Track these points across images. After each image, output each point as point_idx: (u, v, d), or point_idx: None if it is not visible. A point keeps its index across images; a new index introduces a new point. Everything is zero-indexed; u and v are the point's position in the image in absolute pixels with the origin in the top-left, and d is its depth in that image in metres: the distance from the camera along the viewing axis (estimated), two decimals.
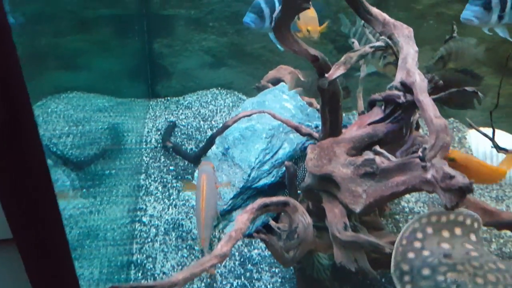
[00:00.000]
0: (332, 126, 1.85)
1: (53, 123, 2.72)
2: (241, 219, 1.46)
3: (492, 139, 1.70)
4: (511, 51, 2.48)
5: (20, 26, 2.69)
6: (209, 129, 2.84)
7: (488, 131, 2.70)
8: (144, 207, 2.13)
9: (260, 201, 1.50)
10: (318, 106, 2.78)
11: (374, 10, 1.74)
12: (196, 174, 2.26)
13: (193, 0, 3.44)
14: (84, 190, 2.13)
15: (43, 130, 2.70)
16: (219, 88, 3.55)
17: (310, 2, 1.59)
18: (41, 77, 3.18)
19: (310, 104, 2.67)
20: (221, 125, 2.92)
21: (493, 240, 2.04)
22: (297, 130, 2.11)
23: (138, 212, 2.07)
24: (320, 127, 2.28)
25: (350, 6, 1.74)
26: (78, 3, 3.21)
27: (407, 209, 2.22)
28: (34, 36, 3.00)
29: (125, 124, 2.77)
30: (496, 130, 2.67)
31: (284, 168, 2.16)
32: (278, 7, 2.55)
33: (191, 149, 2.65)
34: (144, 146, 2.61)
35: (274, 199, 1.52)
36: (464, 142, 2.73)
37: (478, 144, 2.63)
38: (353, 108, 3.14)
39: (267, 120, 2.27)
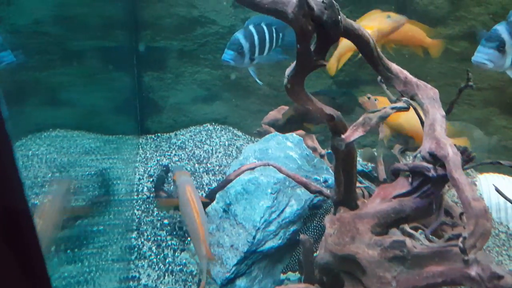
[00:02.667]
0: (346, 187, 1.70)
1: (34, 169, 2.49)
2: None
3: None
4: None
5: (20, 66, 2.47)
6: (205, 173, 2.65)
7: (498, 177, 2.59)
8: (137, 275, 1.92)
9: None
10: (323, 152, 2.64)
11: (394, 67, 1.60)
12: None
13: (185, 32, 3.29)
14: (70, 253, 1.91)
15: (23, 178, 2.47)
16: (213, 123, 3.38)
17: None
18: (21, 114, 2.95)
19: (314, 150, 2.53)
20: (217, 168, 2.75)
21: None
22: (305, 187, 1.95)
23: (131, 283, 1.86)
24: (329, 181, 2.13)
25: (368, 63, 1.60)
26: (62, 34, 3.01)
27: None
28: (13, 70, 2.77)
29: (114, 170, 2.56)
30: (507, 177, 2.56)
31: (292, 229, 1.99)
32: (256, 40, 2.47)
33: None
34: (136, 197, 2.40)
35: (293, 287, 1.34)
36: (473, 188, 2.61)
37: (490, 191, 2.52)
38: None
39: (271, 172, 2.11)
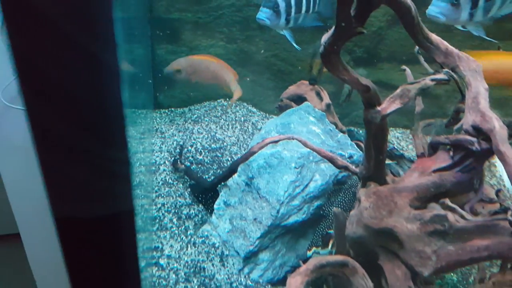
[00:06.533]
0: (376, 163, 1.66)
1: None
2: (294, 282, 1.26)
3: None
4: None
5: None
6: (221, 149, 2.61)
7: None
8: (160, 245, 1.89)
9: (316, 261, 1.30)
10: (344, 128, 2.59)
11: (435, 37, 1.54)
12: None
13: (201, 3, 3.19)
14: None
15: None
16: (227, 99, 3.31)
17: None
18: None
19: (335, 126, 2.48)
20: (235, 142, 2.70)
21: None
22: (331, 161, 1.91)
23: (154, 253, 1.84)
24: (354, 157, 2.09)
25: (408, 33, 1.54)
26: None
27: None
28: None
29: (133, 143, 2.51)
30: None
31: (316, 204, 1.96)
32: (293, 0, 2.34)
33: (200, 170, 2.41)
34: (154, 168, 2.36)
35: (331, 259, 1.32)
36: (494, 170, 2.58)
37: None
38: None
39: (294, 147, 2.06)
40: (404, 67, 1.80)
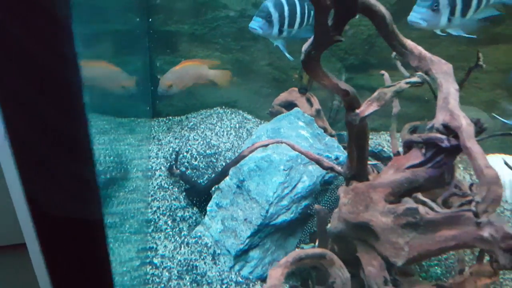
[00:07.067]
0: (358, 163, 1.74)
1: None
2: (275, 274, 1.34)
3: None
4: None
5: None
6: (215, 154, 2.70)
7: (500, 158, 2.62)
8: (155, 246, 1.98)
9: (295, 254, 1.38)
10: (333, 132, 2.68)
11: (409, 43, 1.64)
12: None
13: (197, 15, 3.32)
14: None
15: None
16: (223, 107, 3.42)
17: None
18: None
19: (325, 130, 2.57)
20: (229, 148, 2.79)
21: None
22: (318, 163, 1.99)
23: (149, 253, 1.92)
24: (340, 159, 2.17)
25: (384, 40, 1.63)
26: (73, 18, 3.03)
27: None
28: None
29: (131, 150, 2.61)
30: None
31: (304, 204, 2.04)
32: (286, 11, 2.40)
33: (195, 175, 2.51)
34: (150, 174, 2.45)
35: (310, 251, 1.40)
36: None
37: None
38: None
39: (283, 150, 2.15)
40: (382, 72, 1.89)
